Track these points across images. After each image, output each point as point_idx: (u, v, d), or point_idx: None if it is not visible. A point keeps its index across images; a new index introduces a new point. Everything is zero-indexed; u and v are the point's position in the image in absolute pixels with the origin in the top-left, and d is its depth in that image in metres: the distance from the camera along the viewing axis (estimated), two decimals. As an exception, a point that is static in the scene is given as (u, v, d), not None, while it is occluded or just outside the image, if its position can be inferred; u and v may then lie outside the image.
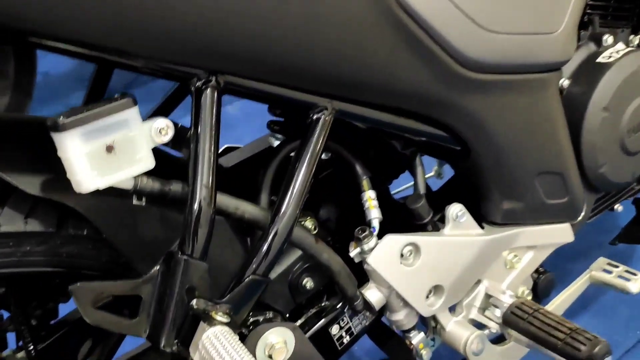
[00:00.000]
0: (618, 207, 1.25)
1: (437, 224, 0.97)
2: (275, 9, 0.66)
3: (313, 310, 0.95)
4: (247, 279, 0.74)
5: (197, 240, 0.69)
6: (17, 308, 0.91)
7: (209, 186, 0.69)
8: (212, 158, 0.70)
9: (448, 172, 1.49)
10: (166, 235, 0.75)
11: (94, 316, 0.67)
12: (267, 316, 0.79)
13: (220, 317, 0.68)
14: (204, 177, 0.69)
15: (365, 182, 0.94)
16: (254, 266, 0.75)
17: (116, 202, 0.72)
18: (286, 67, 0.72)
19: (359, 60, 0.75)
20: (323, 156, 0.95)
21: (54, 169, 0.67)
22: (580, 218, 1.12)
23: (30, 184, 0.68)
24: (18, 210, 0.71)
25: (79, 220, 0.73)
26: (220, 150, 1.08)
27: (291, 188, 0.77)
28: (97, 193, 0.67)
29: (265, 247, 0.75)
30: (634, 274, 1.18)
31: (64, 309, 0.97)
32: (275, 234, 0.76)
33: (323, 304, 0.97)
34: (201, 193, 0.69)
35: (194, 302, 0.69)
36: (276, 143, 1.04)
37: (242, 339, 0.73)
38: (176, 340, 0.70)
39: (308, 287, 0.93)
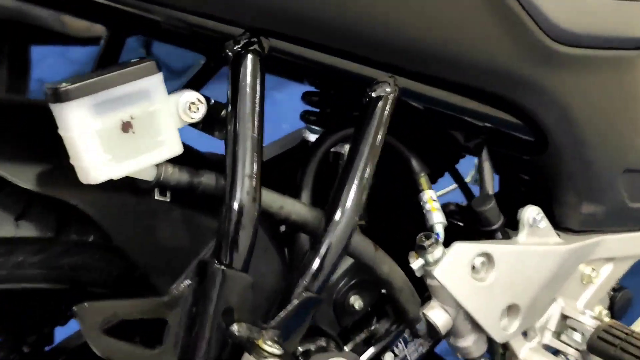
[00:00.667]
0: None
1: (506, 231, 0.82)
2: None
3: (362, 335, 0.80)
4: (300, 297, 0.58)
5: (237, 247, 0.55)
6: (7, 332, 0.80)
7: (252, 177, 0.55)
8: (256, 142, 0.56)
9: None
10: (193, 242, 0.61)
11: (104, 345, 0.53)
12: (320, 344, 0.64)
13: (269, 347, 0.53)
14: (247, 165, 0.55)
15: (423, 180, 0.79)
16: (305, 281, 0.60)
17: (131, 198, 0.58)
18: (348, 30, 0.59)
19: (433, 24, 0.63)
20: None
21: (53, 159, 0.57)
22: (660, 226, 0.97)
23: (23, 177, 0.57)
24: (8, 210, 0.58)
25: (83, 224, 0.61)
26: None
27: (348, 185, 0.64)
28: (107, 187, 0.54)
29: (319, 259, 0.61)
30: None
31: (61, 333, 0.86)
32: (331, 242, 0.61)
33: (373, 328, 0.81)
34: (243, 186, 0.54)
35: (234, 327, 0.54)
36: (312, 136, 0.90)
37: (292, 374, 0.58)
38: (212, 378, 0.55)
39: (356, 307, 0.78)
